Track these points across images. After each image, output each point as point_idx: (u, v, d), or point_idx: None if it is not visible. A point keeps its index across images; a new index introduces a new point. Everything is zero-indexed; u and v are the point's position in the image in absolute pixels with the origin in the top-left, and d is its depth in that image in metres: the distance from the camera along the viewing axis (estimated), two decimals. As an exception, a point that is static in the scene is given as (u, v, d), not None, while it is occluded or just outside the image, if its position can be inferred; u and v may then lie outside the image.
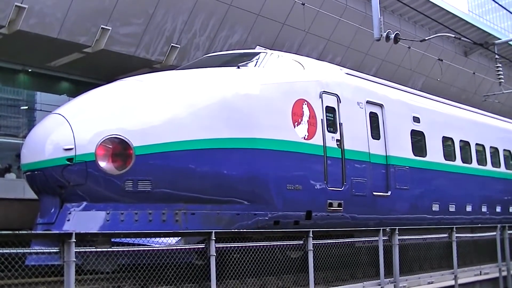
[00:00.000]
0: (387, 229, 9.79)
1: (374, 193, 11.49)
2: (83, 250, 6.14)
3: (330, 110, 10.89)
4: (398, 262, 9.76)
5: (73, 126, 8.37)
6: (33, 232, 8.29)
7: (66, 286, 5.65)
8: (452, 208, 13.97)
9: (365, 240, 9.92)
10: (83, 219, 8.28)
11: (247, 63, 10.89)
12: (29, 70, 17.27)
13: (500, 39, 25.13)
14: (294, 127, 10.06)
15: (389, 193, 11.86)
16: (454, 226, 11.64)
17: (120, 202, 8.35)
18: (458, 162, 14.64)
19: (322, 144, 10.47)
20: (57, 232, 7.57)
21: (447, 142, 14.42)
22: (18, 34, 13.87)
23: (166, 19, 15.81)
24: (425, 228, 12.13)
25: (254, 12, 17.32)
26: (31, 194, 9.44)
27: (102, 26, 14.80)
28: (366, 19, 19.13)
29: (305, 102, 10.39)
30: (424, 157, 13.25)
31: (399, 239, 9.86)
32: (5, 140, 17.16)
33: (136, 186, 8.36)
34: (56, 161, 8.30)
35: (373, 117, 11.97)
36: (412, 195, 12.68)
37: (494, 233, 12.92)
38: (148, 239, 7.69)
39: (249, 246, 7.85)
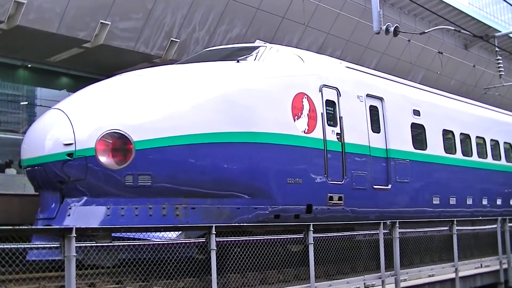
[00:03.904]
0: (388, 222, 9.79)
1: (375, 187, 11.48)
2: (84, 245, 6.15)
3: (330, 103, 10.87)
4: (398, 255, 9.76)
5: (73, 121, 8.37)
6: (33, 227, 8.31)
7: (67, 281, 5.65)
8: (452, 201, 13.97)
9: (366, 234, 9.93)
10: (84, 214, 8.29)
11: (246, 57, 10.85)
12: (29, 66, 17.23)
13: (500, 31, 25.02)
14: (294, 120, 10.05)
15: (389, 186, 11.86)
16: (455, 219, 11.64)
17: (121, 197, 8.36)
18: (459, 155, 14.62)
19: (322, 138, 10.45)
20: (58, 227, 7.60)
21: (447, 135, 14.40)
22: (17, 29, 13.84)
23: (166, 13, 15.77)
24: (426, 221, 12.13)
25: (253, 6, 17.26)
26: (31, 190, 9.44)
27: (101, 21, 14.76)
28: (365, 12, 19.08)
29: (305, 96, 10.37)
30: (424, 150, 13.24)
31: (399, 232, 9.86)
32: (5, 136, 17.14)
33: (136, 181, 8.36)
34: (56, 156, 8.30)
35: (373, 111, 11.95)
36: (413, 188, 12.67)
37: (495, 225, 12.93)
38: (148, 233, 7.72)
39: (250, 240, 7.85)
